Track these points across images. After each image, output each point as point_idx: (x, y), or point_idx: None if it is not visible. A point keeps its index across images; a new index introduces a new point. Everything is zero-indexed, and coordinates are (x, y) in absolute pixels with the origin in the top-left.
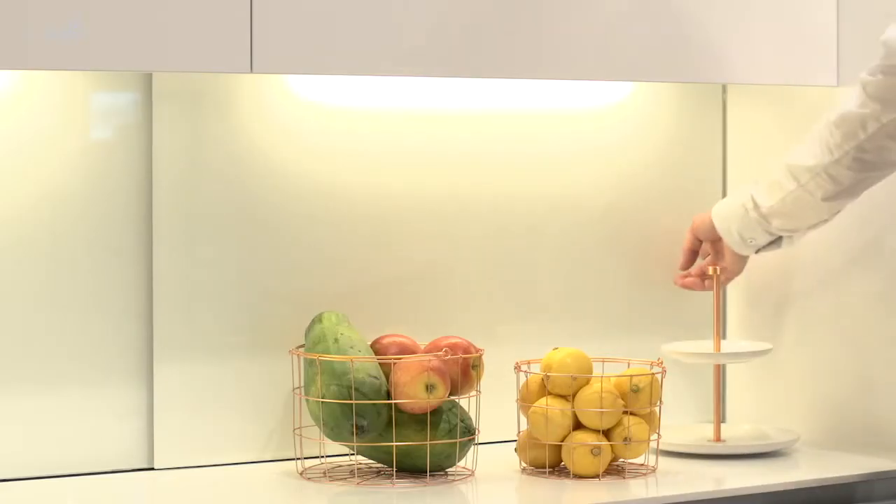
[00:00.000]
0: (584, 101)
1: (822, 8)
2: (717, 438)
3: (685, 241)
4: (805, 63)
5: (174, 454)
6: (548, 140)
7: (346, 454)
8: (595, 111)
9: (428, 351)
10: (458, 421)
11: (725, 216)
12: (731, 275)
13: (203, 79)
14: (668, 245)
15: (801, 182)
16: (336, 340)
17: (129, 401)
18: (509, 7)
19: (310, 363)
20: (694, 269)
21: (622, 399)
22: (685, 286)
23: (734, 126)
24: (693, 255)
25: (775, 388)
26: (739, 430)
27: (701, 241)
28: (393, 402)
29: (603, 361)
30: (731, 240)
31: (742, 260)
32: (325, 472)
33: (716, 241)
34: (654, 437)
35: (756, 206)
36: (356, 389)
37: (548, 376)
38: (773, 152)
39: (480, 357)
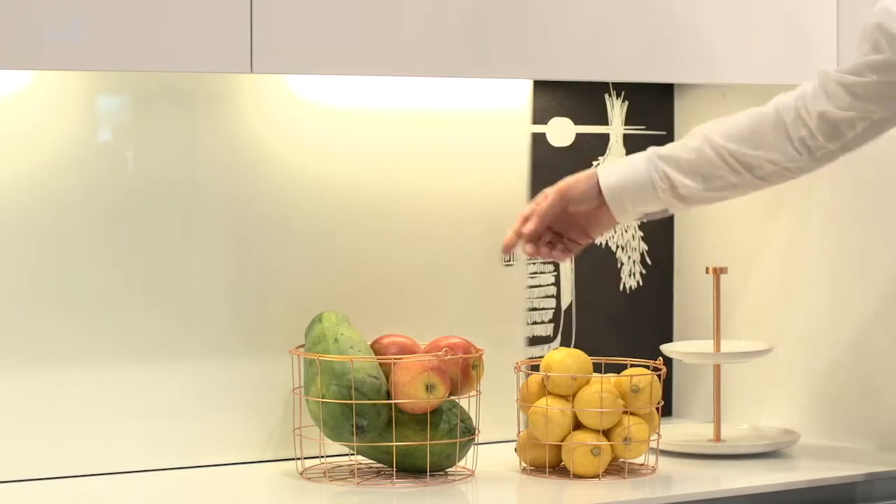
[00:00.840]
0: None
1: (822, 8)
2: (717, 438)
3: (545, 204)
4: (805, 63)
5: (173, 454)
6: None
7: (346, 454)
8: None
9: (428, 351)
10: (458, 421)
11: (621, 188)
12: (586, 241)
13: (203, 78)
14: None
15: (759, 174)
16: (336, 340)
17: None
18: (510, 7)
19: (310, 363)
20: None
21: (622, 399)
22: (541, 255)
23: None
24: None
25: (775, 388)
26: (739, 430)
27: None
28: (393, 402)
29: (603, 361)
30: (618, 210)
31: (609, 228)
32: (325, 472)
33: (585, 209)
34: (654, 437)
35: (673, 187)
36: (356, 389)
37: (548, 376)
38: None
39: (480, 357)
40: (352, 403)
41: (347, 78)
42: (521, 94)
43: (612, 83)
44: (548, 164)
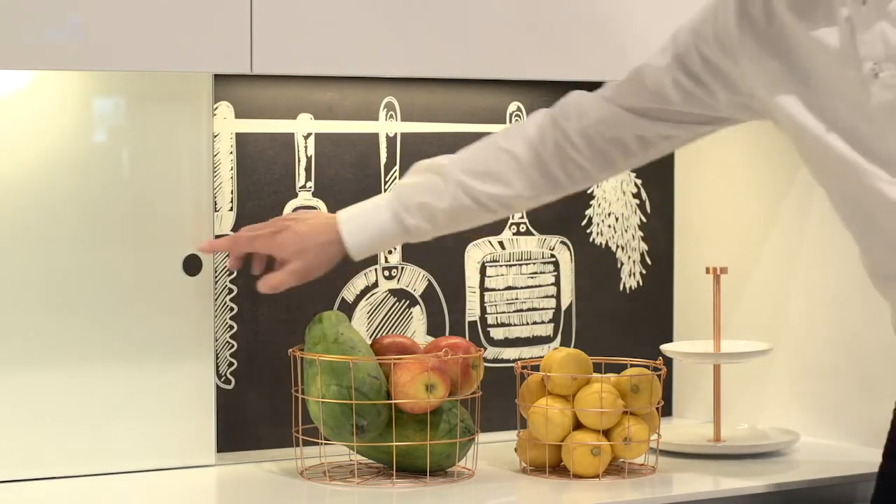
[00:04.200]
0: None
1: None
2: (717, 438)
3: (251, 238)
4: None
5: (171, 454)
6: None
7: (346, 454)
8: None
9: (428, 351)
10: (458, 421)
11: (369, 248)
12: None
13: (200, 79)
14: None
15: (495, 209)
16: (336, 340)
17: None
18: (510, 7)
19: (310, 363)
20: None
21: (622, 399)
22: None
23: None
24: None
25: (775, 388)
26: (739, 430)
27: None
28: (393, 402)
29: (603, 361)
30: (356, 255)
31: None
32: (325, 472)
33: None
34: (654, 437)
35: (421, 235)
36: (356, 389)
37: (548, 376)
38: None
39: (480, 357)
40: (352, 403)
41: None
42: None
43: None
44: None
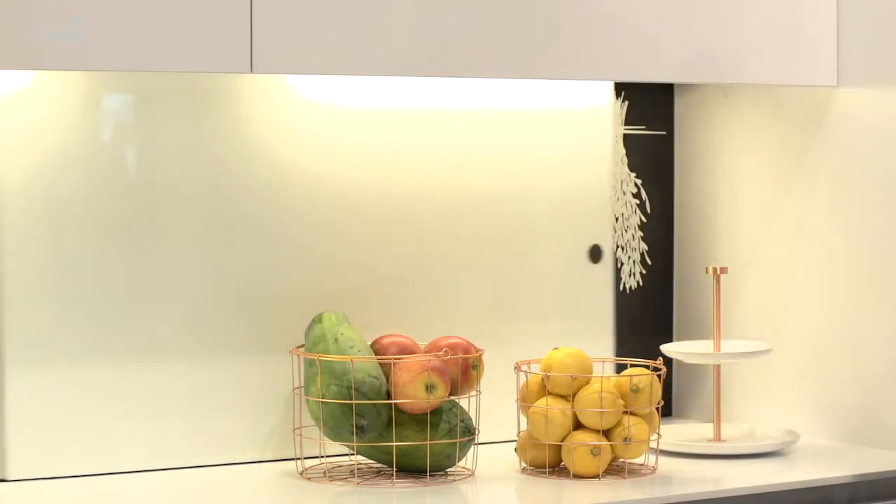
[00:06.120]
0: (574, 101)
1: (822, 8)
2: (717, 438)
3: None
4: (805, 63)
5: (173, 454)
6: (545, 140)
7: (346, 454)
8: (582, 112)
9: (428, 351)
10: (458, 421)
11: None
12: None
13: (203, 78)
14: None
15: None
16: (336, 340)
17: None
18: (510, 7)
19: (310, 363)
20: None
21: (622, 399)
22: None
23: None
24: None
25: (775, 388)
26: (739, 430)
27: None
28: (393, 402)
29: (603, 361)
30: None
31: None
32: (325, 472)
33: None
34: (654, 437)
35: None
36: (356, 389)
37: (548, 376)
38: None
39: (480, 357)
40: (352, 403)
41: (346, 78)
42: (520, 95)
43: (612, 83)
44: None
